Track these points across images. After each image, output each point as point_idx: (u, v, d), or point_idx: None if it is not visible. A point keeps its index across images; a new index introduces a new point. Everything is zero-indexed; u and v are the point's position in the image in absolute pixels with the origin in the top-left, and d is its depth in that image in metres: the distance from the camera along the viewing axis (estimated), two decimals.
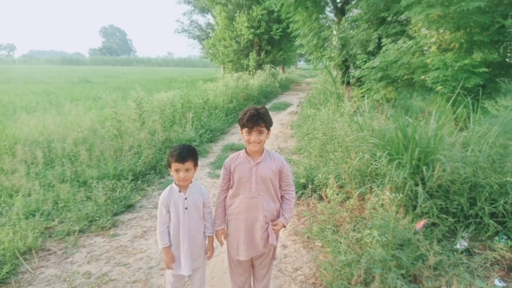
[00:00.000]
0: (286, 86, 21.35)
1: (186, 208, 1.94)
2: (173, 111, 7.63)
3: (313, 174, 4.28)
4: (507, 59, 5.20)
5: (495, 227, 2.82)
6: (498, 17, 4.40)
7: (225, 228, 2.09)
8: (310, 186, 4.10)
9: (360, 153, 3.73)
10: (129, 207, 4.10)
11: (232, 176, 1.97)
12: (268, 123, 1.88)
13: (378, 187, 3.25)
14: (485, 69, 4.44)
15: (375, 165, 3.42)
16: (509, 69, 5.12)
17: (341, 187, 3.76)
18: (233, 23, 20.10)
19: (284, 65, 27.88)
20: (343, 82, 7.81)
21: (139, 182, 4.76)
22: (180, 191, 1.95)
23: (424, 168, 3.01)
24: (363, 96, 7.32)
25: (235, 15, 20.00)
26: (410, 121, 3.35)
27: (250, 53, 20.44)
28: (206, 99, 9.54)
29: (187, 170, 1.89)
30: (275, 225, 1.98)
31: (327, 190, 3.54)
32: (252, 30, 19.28)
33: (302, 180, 4.22)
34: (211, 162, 5.97)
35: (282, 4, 8.22)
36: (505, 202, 2.80)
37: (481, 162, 2.97)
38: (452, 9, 4.46)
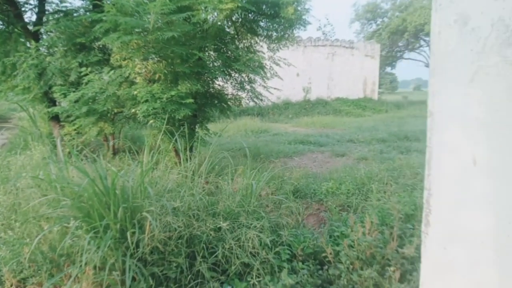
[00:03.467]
0: None
1: None
2: None
3: None
4: (210, 89, 5.57)
5: (219, 279, 2.48)
6: (194, 49, 4.48)
7: None
8: None
9: (52, 224, 2.63)
10: None
11: None
12: None
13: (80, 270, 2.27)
14: (191, 100, 4.42)
15: (71, 240, 2.42)
16: (213, 98, 5.48)
17: (22, 280, 2.48)
18: None
19: None
20: (50, 118, 6.33)
21: None
22: None
23: (131, 231, 2.30)
24: (80, 133, 6.13)
25: None
26: (113, 170, 2.58)
27: None
28: None
29: None
30: None
31: None
32: None
33: None
34: None
35: None
36: (223, 248, 2.50)
37: (194, 208, 2.62)
38: (150, 38, 4.17)
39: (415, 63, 30.06)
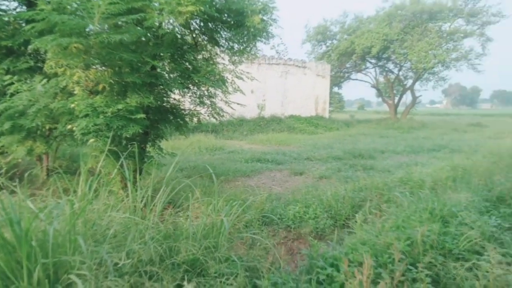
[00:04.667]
0: None
1: None
2: None
3: None
4: (164, 104, 4.97)
5: None
6: (146, 57, 3.90)
7: None
8: None
9: None
10: None
11: None
12: None
13: None
14: (142, 115, 3.80)
15: None
16: (168, 114, 4.88)
17: None
18: None
19: None
20: None
21: None
22: None
23: None
24: (4, 153, 5.16)
25: None
26: (31, 207, 1.89)
27: None
28: None
29: None
30: None
31: None
32: None
33: None
34: None
35: None
36: None
37: (146, 260, 2.01)
38: (93, 41, 3.52)
39: (361, 84, 31.57)
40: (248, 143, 15.02)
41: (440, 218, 2.85)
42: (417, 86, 28.70)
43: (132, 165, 3.95)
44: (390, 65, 28.98)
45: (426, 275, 2.02)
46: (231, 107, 5.04)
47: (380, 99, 36.46)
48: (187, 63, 4.53)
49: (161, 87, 4.53)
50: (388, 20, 24.23)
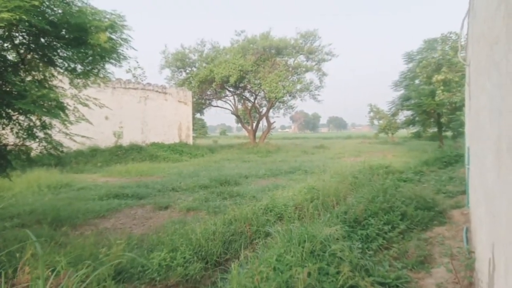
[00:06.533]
0: None
1: None
2: None
3: None
4: None
5: None
6: None
7: None
8: None
9: None
10: None
11: None
12: None
13: None
14: None
15: None
16: None
17: None
18: None
19: None
20: None
21: None
22: None
23: None
24: None
25: None
26: None
27: None
28: None
29: None
30: None
31: None
32: None
33: None
34: None
35: None
36: None
37: None
38: None
39: (222, 110, 32.82)
40: (104, 176, 13.30)
41: (311, 254, 2.84)
42: (270, 113, 31.73)
43: None
44: (247, 94, 31.23)
45: None
46: (74, 140, 4.13)
47: (239, 125, 38.70)
48: (8, 86, 3.48)
49: None
50: (242, 52, 26.14)
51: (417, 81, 21.11)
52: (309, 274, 2.33)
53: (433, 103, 17.58)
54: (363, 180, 8.30)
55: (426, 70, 17.78)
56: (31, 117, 3.76)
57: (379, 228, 4.42)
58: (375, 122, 31.32)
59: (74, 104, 4.18)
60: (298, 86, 27.45)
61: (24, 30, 3.42)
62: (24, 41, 3.69)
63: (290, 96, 28.84)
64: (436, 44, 19.80)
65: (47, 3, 3.31)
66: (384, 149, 23.50)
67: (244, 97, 31.63)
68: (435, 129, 21.44)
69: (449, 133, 21.80)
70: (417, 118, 21.28)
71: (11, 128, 3.80)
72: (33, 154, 4.14)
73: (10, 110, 3.48)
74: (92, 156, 16.86)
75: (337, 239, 3.13)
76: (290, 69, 27.36)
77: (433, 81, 16.33)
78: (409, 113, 22.43)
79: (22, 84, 3.63)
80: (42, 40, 3.71)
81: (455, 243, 4.52)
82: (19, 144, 3.95)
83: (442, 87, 15.87)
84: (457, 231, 5.12)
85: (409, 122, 22.85)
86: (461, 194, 7.34)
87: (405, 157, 16.50)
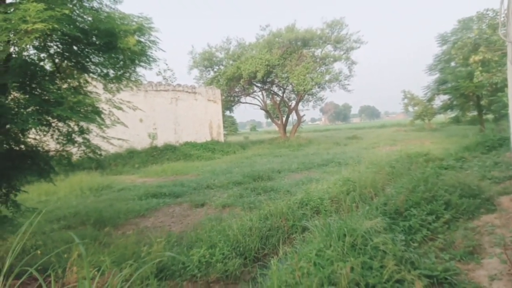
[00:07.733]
0: None
1: None
2: None
3: None
4: (19, 146, 3.89)
5: None
6: None
7: None
8: None
9: None
10: None
11: None
12: None
13: None
14: None
15: None
16: (24, 159, 3.83)
17: None
18: None
19: None
20: None
21: None
22: None
23: None
24: None
25: None
26: None
27: None
28: None
29: None
30: None
31: None
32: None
33: None
34: None
35: None
36: None
37: None
38: None
39: (251, 106, 32.89)
40: (141, 176, 13.74)
41: (352, 248, 2.74)
42: (300, 106, 31.32)
43: None
44: (275, 88, 31.03)
45: None
46: (111, 143, 4.26)
47: (269, 120, 38.60)
48: (46, 94, 3.63)
49: (12, 126, 3.52)
50: (268, 46, 25.97)
51: (452, 64, 19.93)
52: (352, 269, 2.25)
53: (472, 85, 16.55)
54: (401, 169, 7.98)
55: (462, 51, 16.72)
56: (69, 123, 3.92)
57: (422, 218, 4.20)
58: (410, 109, 30.07)
59: (109, 108, 4.31)
60: (327, 77, 26.89)
61: (57, 39, 3.54)
62: (58, 50, 3.84)
63: (319, 87, 28.29)
64: (472, 24, 18.55)
65: (78, 11, 3.41)
66: (421, 137, 22.48)
67: (272, 91, 31.47)
68: (475, 113, 20.15)
69: (490, 116, 20.43)
70: (455, 102, 20.12)
71: (52, 135, 3.98)
72: (73, 158, 4.32)
73: (49, 118, 3.64)
74: (130, 158, 17.48)
75: (379, 231, 3.01)
76: (318, 60, 26.84)
77: (470, 62, 15.32)
78: (446, 97, 21.26)
79: (59, 91, 3.79)
80: (75, 47, 3.84)
81: (507, 232, 4.21)
82: (60, 149, 4.14)
83: (480, 68, 14.87)
84: (508, 219, 4.75)
85: (446, 107, 21.65)
86: (509, 179, 6.84)
87: (444, 143, 15.70)
